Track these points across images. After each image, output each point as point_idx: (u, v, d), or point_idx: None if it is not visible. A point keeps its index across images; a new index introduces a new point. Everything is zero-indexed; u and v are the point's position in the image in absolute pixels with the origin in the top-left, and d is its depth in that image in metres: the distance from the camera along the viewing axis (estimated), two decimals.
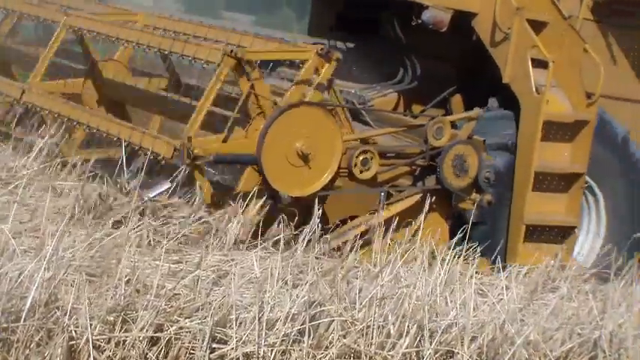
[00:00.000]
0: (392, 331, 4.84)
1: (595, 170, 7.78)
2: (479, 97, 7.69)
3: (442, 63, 8.08)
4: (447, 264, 5.58)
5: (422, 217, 6.59)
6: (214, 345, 4.71)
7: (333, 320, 4.85)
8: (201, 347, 4.67)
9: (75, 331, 4.51)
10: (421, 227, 6.54)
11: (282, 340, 4.74)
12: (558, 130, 7.49)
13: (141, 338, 4.66)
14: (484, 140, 7.21)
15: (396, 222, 6.69)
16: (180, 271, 5.23)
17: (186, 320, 4.78)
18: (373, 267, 5.69)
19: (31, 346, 4.47)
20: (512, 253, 7.28)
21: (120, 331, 4.66)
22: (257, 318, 4.70)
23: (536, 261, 6.82)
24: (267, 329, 4.74)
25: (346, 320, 4.90)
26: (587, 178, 7.77)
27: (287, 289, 5.05)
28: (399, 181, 7.26)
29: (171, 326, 4.75)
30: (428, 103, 8.08)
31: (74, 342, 4.53)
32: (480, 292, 5.78)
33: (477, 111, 7.41)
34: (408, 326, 4.84)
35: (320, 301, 4.88)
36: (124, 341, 4.65)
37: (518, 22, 7.36)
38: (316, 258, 5.99)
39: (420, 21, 7.50)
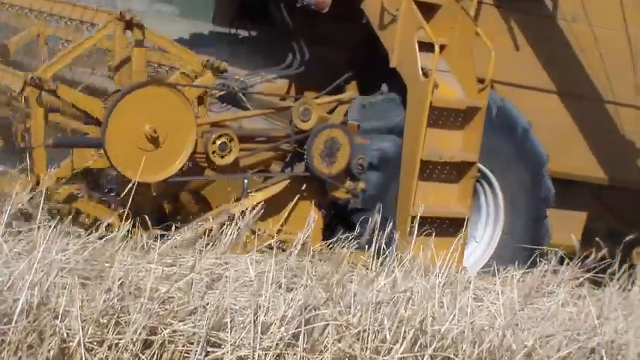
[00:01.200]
0: (387, 336, 4.82)
1: (493, 160, 7.61)
2: (375, 84, 7.39)
3: (338, 49, 7.79)
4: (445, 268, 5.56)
5: (290, 205, 6.43)
6: (208, 348, 4.68)
7: (328, 324, 4.82)
8: (196, 351, 4.64)
9: (67, 334, 4.48)
10: (290, 216, 6.38)
11: (277, 344, 4.71)
12: (449, 117, 7.21)
13: (134, 341, 4.63)
14: (359, 125, 6.92)
15: (262, 210, 6.33)
16: (174, 274, 5.19)
17: (180, 323, 4.75)
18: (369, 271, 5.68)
19: (23, 348, 4.43)
20: (400, 244, 6.71)
21: (113, 333, 4.62)
22: (252, 321, 4.67)
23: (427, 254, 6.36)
24: (262, 333, 4.71)
25: (341, 324, 4.87)
26: (485, 169, 7.59)
27: (281, 293, 5.02)
28: (271, 167, 6.94)
29: (165, 329, 4.72)
30: (323, 90, 7.55)
31: (66, 344, 4.50)
32: (474, 296, 5.75)
33: (350, 94, 7.16)
34: (405, 331, 4.82)
35: (315, 305, 4.85)
36: (117, 344, 4.62)
37: (405, 4, 7.08)
38: (311, 262, 5.97)
39: (303, 3, 7.21)
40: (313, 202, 6.81)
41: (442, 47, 7.14)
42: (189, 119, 6.24)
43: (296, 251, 5.84)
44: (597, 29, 8.24)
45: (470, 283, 5.47)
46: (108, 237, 5.36)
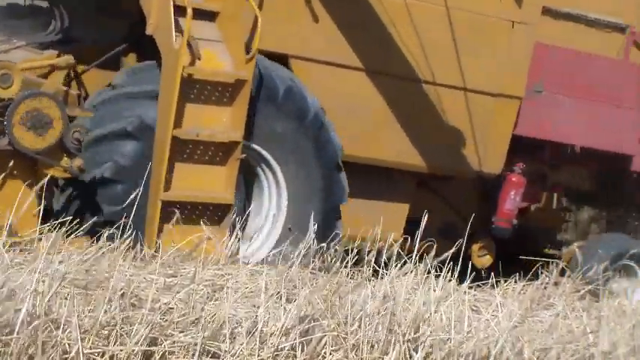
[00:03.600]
0: (384, 347, 4.84)
1: (277, 147, 6.91)
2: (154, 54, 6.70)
3: (117, 19, 7.09)
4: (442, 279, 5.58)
5: None
6: (206, 359, 4.71)
7: (325, 335, 4.85)
8: None
9: (68, 344, 4.50)
10: None
11: (276, 355, 4.74)
12: (214, 91, 6.50)
13: (135, 352, 4.65)
14: (79, 94, 6.31)
15: None
16: (175, 285, 5.23)
17: (181, 334, 4.78)
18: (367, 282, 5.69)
19: (24, 358, 4.46)
20: (150, 233, 6.25)
21: (114, 344, 4.65)
22: (251, 332, 4.70)
23: (182, 244, 5.90)
24: (260, 343, 4.74)
25: (338, 335, 4.90)
26: (269, 156, 6.91)
27: (281, 304, 5.04)
28: None
29: (166, 340, 4.74)
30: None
31: (67, 355, 4.51)
32: (474, 308, 5.78)
33: (66, 58, 6.28)
34: (401, 342, 4.84)
35: (313, 315, 4.87)
36: (118, 355, 4.65)
37: None
38: (311, 273, 6.00)
39: None
40: (24, 180, 5.99)
41: (214, 14, 6.64)
42: None
43: (297, 262, 5.86)
44: (413, 2, 7.60)
45: (466, 294, 5.47)
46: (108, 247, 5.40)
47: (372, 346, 4.81)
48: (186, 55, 6.36)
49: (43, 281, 4.59)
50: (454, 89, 7.85)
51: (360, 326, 4.86)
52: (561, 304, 6.14)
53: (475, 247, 8.55)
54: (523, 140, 8.36)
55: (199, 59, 6.38)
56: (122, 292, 4.88)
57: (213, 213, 6.56)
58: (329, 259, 6.48)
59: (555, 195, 9.20)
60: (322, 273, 6.22)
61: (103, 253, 5.32)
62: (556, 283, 6.80)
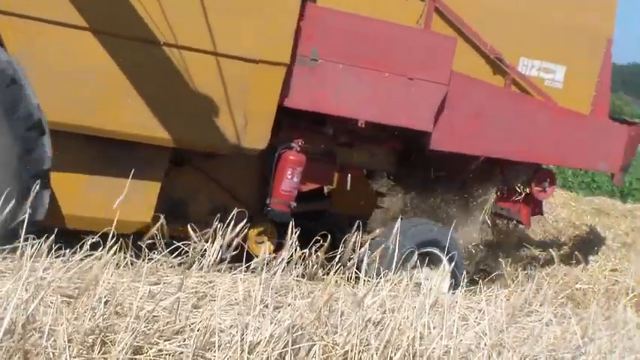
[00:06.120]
0: (375, 357, 4.81)
1: None
2: None
3: None
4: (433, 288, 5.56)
5: None
6: None
7: (315, 344, 4.81)
8: None
9: (53, 353, 4.44)
10: None
11: None
12: None
13: None
14: None
15: None
16: (159, 292, 5.17)
17: (166, 343, 4.73)
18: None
19: None
20: None
21: (98, 352, 4.59)
22: (239, 341, 4.65)
23: None
24: (248, 352, 4.69)
25: (327, 344, 4.86)
26: None
27: (267, 313, 5.00)
28: None
29: (151, 348, 4.69)
30: None
31: None
32: (461, 315, 5.76)
33: None
34: (391, 351, 4.82)
35: (301, 324, 4.83)
36: None
37: None
38: (295, 280, 5.98)
39: None
40: None
41: None
42: None
43: (281, 270, 5.83)
44: None
45: (456, 302, 5.45)
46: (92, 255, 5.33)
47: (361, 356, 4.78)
48: None
49: (27, 290, 4.53)
50: (204, 54, 6.80)
51: (349, 335, 4.83)
52: (546, 311, 6.11)
53: (253, 232, 7.61)
54: (303, 114, 7.48)
55: None
56: (106, 299, 4.83)
57: None
58: (310, 265, 6.47)
59: (349, 176, 8.16)
60: (305, 279, 6.20)
61: (86, 261, 5.24)
62: (537, 290, 6.79)
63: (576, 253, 9.87)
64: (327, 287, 5.10)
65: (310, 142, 7.68)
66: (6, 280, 4.76)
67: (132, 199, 6.20)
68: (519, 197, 8.95)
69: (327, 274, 5.96)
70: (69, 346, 4.47)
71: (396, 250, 6.67)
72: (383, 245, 6.97)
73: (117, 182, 6.58)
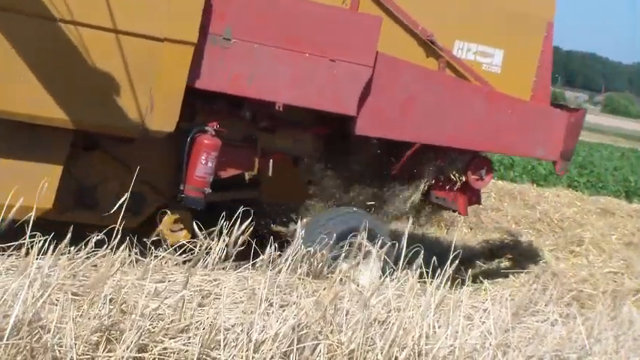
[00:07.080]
0: (379, 356, 4.80)
1: None
2: None
3: None
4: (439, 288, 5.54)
5: None
6: None
7: (320, 343, 4.81)
8: None
9: (59, 351, 4.45)
10: None
11: None
12: None
13: (125, 358, 4.60)
14: None
15: None
16: (164, 290, 5.18)
17: (171, 341, 4.73)
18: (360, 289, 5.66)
19: None
20: None
21: (104, 350, 4.60)
22: (245, 339, 4.65)
23: None
24: (254, 351, 4.69)
25: (332, 343, 4.86)
26: None
27: (273, 311, 5.00)
28: None
29: (156, 347, 4.70)
30: None
31: None
32: (465, 314, 5.75)
33: None
34: (397, 350, 4.81)
35: (306, 323, 4.83)
36: None
37: None
38: (299, 279, 5.97)
39: None
40: None
41: None
42: None
43: (286, 268, 5.84)
44: None
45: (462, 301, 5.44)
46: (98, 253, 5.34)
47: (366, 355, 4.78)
48: None
49: (31, 287, 4.53)
50: (104, 31, 6.47)
51: (354, 334, 4.82)
52: (552, 313, 6.10)
53: (168, 220, 7.34)
54: (220, 97, 7.20)
55: None
56: (111, 297, 4.83)
57: None
58: (315, 263, 6.46)
59: (271, 162, 7.75)
60: (310, 278, 6.20)
61: (92, 259, 5.25)
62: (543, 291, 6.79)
63: (581, 253, 9.84)
64: (332, 286, 5.08)
65: (229, 126, 7.38)
66: (12, 278, 4.76)
67: (31, 184, 6.05)
68: (455, 186, 8.57)
69: (332, 272, 5.96)
70: (75, 344, 4.48)
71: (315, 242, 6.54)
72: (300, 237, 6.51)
73: (14, 165, 6.43)
